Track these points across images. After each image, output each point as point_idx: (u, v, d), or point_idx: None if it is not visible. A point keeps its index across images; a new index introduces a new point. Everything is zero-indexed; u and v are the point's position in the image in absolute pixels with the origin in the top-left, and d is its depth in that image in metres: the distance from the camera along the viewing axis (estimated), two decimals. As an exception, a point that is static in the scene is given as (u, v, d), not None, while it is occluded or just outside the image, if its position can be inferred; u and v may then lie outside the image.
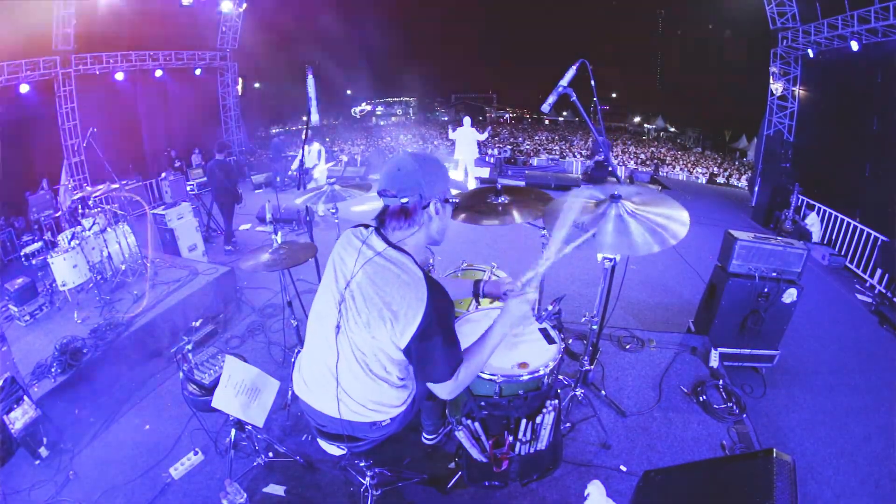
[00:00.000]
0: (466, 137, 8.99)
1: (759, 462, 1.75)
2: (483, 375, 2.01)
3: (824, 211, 7.40)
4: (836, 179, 8.16)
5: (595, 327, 2.88)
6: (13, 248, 7.18)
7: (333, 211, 3.41)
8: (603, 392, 3.18)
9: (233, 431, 2.72)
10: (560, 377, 3.14)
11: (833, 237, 7.05)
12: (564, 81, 2.21)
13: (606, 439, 2.77)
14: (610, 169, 7.82)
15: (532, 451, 2.15)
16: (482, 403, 2.09)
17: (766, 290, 3.51)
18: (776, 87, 9.16)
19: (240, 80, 13.16)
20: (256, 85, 20.10)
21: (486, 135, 9.20)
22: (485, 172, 11.09)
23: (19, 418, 2.75)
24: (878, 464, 2.92)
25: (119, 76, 10.02)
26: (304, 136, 3.41)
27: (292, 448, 2.73)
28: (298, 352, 1.72)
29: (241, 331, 4.26)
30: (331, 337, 1.54)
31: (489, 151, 14.26)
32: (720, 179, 17.81)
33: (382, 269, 1.46)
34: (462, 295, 2.09)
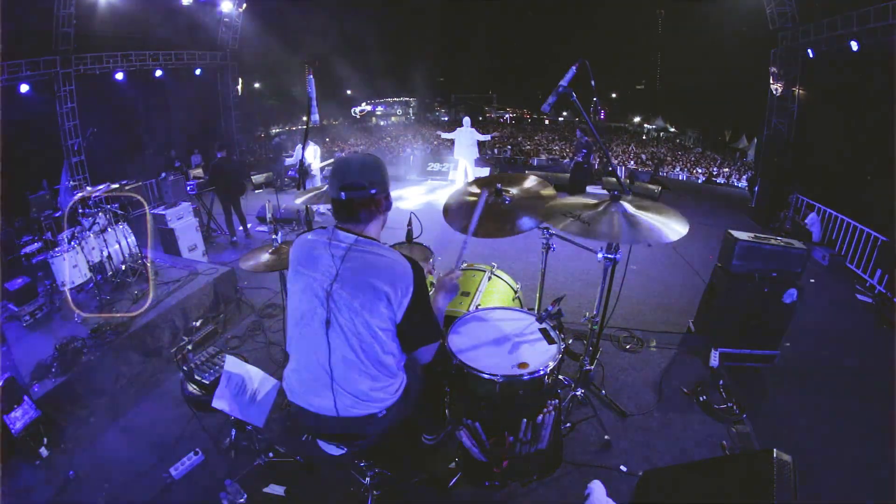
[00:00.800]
0: (467, 138, 8.99)
1: (758, 462, 1.75)
2: (483, 375, 2.01)
3: (824, 211, 7.40)
4: (836, 179, 8.17)
5: (595, 327, 2.88)
6: (13, 248, 7.18)
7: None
8: (603, 392, 3.18)
9: (233, 431, 2.73)
10: (560, 377, 3.14)
11: (833, 237, 7.05)
12: (564, 81, 2.22)
13: (606, 439, 2.78)
14: (593, 170, 7.81)
15: (532, 451, 2.15)
16: (482, 403, 2.09)
17: (766, 290, 3.51)
18: (776, 87, 9.15)
19: (239, 80, 13.16)
20: (256, 85, 20.12)
21: (488, 137, 9.19)
22: (485, 173, 11.09)
23: (19, 418, 2.75)
24: (879, 464, 2.92)
25: (119, 76, 10.02)
26: (304, 137, 3.40)
27: (292, 448, 2.73)
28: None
29: (241, 331, 4.26)
30: (320, 334, 1.58)
31: (488, 151, 14.26)
32: (720, 179, 17.82)
33: (363, 256, 1.57)
34: None
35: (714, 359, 3.51)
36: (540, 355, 2.13)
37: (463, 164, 9.28)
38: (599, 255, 2.59)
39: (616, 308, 3.04)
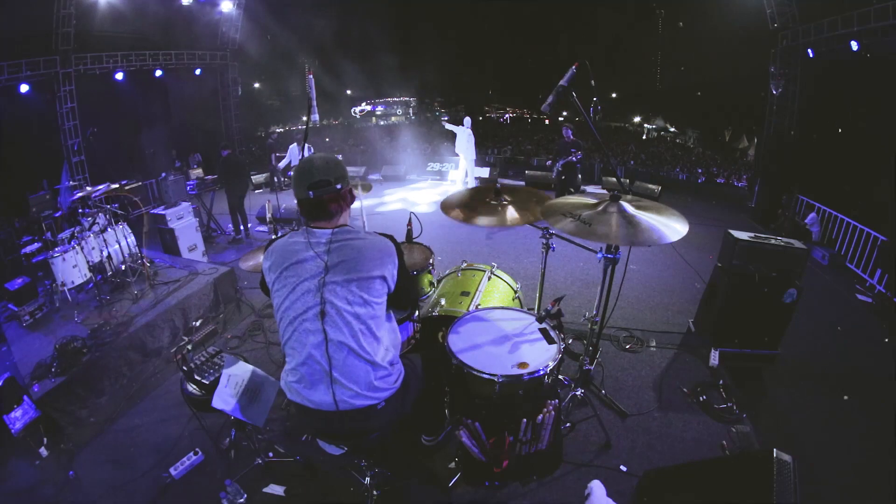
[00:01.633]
0: (469, 138, 8.99)
1: (758, 462, 1.76)
2: (483, 375, 2.01)
3: (824, 211, 7.39)
4: (835, 179, 8.16)
5: (595, 327, 2.88)
6: (13, 248, 7.17)
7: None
8: (603, 392, 3.18)
9: (233, 431, 2.73)
10: (560, 377, 3.14)
11: (833, 237, 7.05)
12: (564, 81, 2.22)
13: (606, 439, 2.78)
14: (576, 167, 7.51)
15: (532, 450, 2.15)
16: (482, 403, 2.09)
17: (766, 290, 3.51)
18: (776, 87, 9.15)
19: (239, 80, 13.15)
20: (256, 85, 20.10)
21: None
22: (485, 173, 11.09)
23: (19, 418, 2.75)
24: (879, 464, 2.92)
25: (119, 76, 10.02)
26: (304, 137, 3.40)
27: (292, 448, 2.73)
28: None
29: (241, 331, 4.26)
30: (316, 326, 1.61)
31: (488, 152, 14.26)
32: (720, 179, 17.80)
33: (346, 244, 1.66)
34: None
35: (714, 359, 3.51)
36: (540, 355, 2.13)
37: (463, 164, 9.28)
38: (599, 255, 2.59)
39: (616, 308, 3.04)
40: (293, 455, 2.68)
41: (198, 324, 4.16)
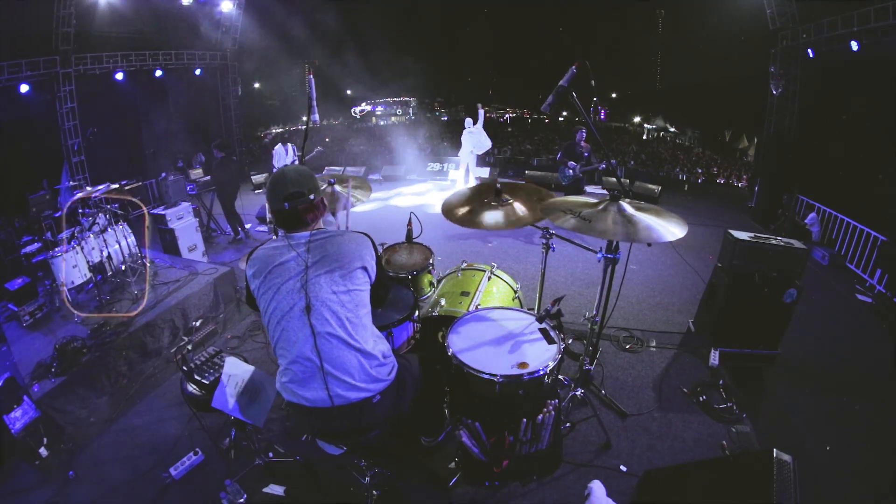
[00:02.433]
0: (469, 139, 8.98)
1: (758, 462, 1.76)
2: (483, 375, 2.01)
3: (824, 211, 7.39)
4: (835, 179, 8.16)
5: (595, 327, 2.88)
6: (13, 248, 7.17)
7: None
8: (603, 392, 3.18)
9: (233, 431, 2.73)
10: (560, 377, 3.14)
11: (833, 237, 7.05)
12: (564, 81, 2.22)
13: (606, 439, 2.78)
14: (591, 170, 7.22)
15: (532, 450, 2.16)
16: (482, 403, 2.09)
17: (766, 290, 3.51)
18: (776, 87, 9.14)
19: (239, 80, 13.15)
20: (256, 85, 20.11)
21: (489, 143, 9.11)
22: (485, 172, 11.09)
23: (19, 418, 2.75)
24: (879, 463, 2.92)
25: (119, 76, 10.02)
26: (304, 137, 3.40)
27: (292, 448, 2.73)
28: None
29: (241, 331, 4.26)
30: (302, 322, 1.63)
31: (488, 152, 14.28)
32: (720, 179, 17.81)
33: (325, 241, 1.73)
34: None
35: (714, 358, 3.51)
36: (539, 355, 2.13)
37: (465, 164, 9.27)
38: (599, 255, 2.59)
39: (616, 308, 3.04)
40: (293, 455, 2.68)
41: (198, 324, 4.15)
